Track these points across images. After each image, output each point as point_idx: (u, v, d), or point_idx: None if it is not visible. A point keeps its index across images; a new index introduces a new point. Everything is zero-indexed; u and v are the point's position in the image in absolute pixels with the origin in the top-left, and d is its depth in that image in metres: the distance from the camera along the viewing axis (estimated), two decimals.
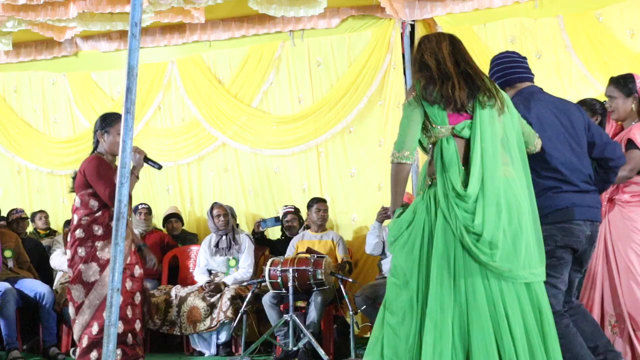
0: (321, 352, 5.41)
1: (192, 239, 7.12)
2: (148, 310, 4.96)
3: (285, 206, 6.76)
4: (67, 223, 6.92)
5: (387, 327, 3.10)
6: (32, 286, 6.19)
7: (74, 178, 4.64)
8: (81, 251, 4.40)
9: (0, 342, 6.10)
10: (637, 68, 5.82)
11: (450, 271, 2.99)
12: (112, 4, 5.80)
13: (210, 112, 7.22)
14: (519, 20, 6.29)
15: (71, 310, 4.45)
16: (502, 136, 3.14)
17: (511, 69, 3.76)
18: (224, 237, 6.39)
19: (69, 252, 4.47)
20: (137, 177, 4.52)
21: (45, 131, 7.91)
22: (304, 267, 5.54)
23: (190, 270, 6.71)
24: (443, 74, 3.16)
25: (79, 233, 4.43)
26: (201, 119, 7.26)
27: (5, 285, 6.02)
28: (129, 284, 4.44)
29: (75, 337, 4.43)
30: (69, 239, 4.51)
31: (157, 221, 7.23)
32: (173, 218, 7.15)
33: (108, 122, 4.51)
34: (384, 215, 5.94)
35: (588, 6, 6.09)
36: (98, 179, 4.39)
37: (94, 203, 4.43)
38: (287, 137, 7.01)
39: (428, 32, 6.61)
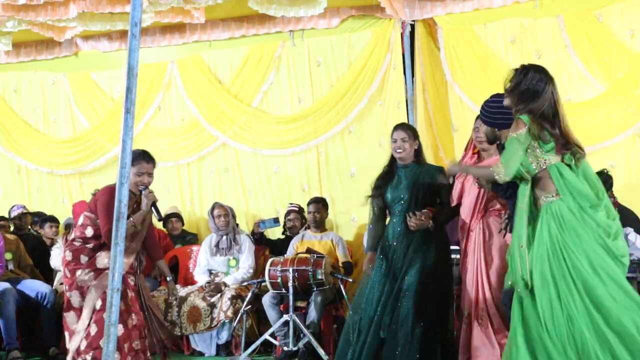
0: (321, 352, 5.41)
1: (192, 239, 7.12)
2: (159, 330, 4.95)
3: (291, 204, 6.75)
4: (67, 226, 6.93)
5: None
6: (34, 286, 6.19)
7: (93, 194, 4.89)
8: (67, 272, 4.65)
9: (0, 342, 6.10)
10: (637, 68, 5.84)
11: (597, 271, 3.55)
12: (112, 4, 5.80)
13: (211, 112, 7.22)
14: (519, 20, 6.29)
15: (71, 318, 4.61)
16: None
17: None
18: (224, 237, 6.39)
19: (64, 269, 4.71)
20: (135, 225, 4.60)
21: (45, 131, 7.90)
22: (304, 267, 5.55)
23: (191, 270, 6.70)
24: None
25: (67, 255, 4.66)
26: (201, 119, 7.26)
27: (5, 285, 6.02)
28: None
29: (73, 346, 4.51)
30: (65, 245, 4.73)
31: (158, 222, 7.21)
32: (173, 218, 7.14)
33: (132, 159, 4.46)
34: None
35: (588, 6, 6.09)
36: (104, 212, 4.51)
37: (90, 231, 4.62)
38: (287, 137, 7.01)
39: (428, 32, 6.69)
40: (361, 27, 6.76)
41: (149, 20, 6.20)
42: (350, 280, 5.75)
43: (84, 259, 4.61)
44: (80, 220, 4.68)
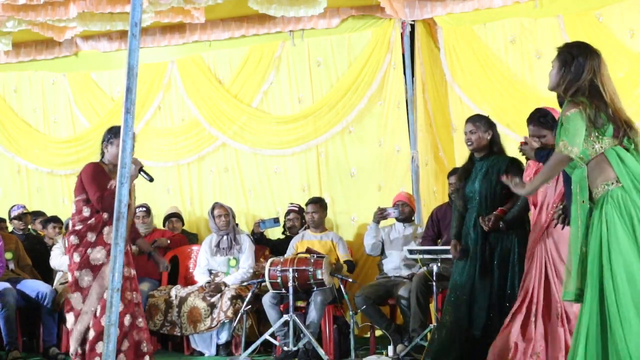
0: (321, 352, 5.41)
1: (192, 239, 7.12)
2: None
3: (291, 204, 6.75)
4: (67, 226, 6.92)
5: None
6: (34, 286, 6.20)
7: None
8: (76, 257, 4.53)
9: (0, 342, 6.10)
10: (637, 68, 5.84)
11: None
12: (112, 4, 5.80)
13: (211, 112, 7.22)
14: (519, 20, 6.29)
15: (71, 319, 4.50)
16: None
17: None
18: (224, 237, 6.39)
19: (67, 257, 4.61)
20: (130, 192, 4.58)
21: (45, 131, 7.90)
22: (304, 267, 5.55)
23: (191, 270, 6.70)
24: None
25: (73, 239, 4.56)
26: (201, 119, 7.25)
27: (5, 285, 6.02)
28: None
29: (73, 344, 4.47)
30: (66, 244, 4.64)
31: (158, 221, 7.21)
32: (173, 217, 7.14)
33: (113, 133, 4.60)
34: (380, 216, 5.95)
35: (588, 6, 6.08)
36: (91, 182, 4.52)
37: (87, 210, 4.57)
38: (287, 137, 7.01)
39: (428, 32, 6.69)
40: (361, 27, 6.76)
41: (149, 20, 6.20)
42: (351, 280, 5.75)
43: (91, 236, 4.53)
44: (74, 209, 4.63)
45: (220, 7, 6.17)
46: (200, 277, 6.39)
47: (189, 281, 6.65)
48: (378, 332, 6.00)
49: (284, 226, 6.71)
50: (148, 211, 6.93)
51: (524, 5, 6.19)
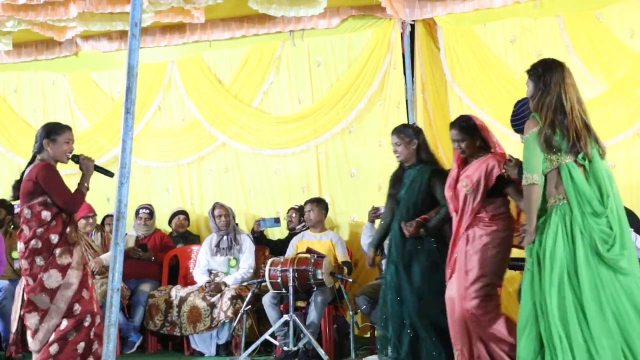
0: (321, 352, 5.41)
1: (194, 239, 7.10)
2: None
3: (295, 205, 6.79)
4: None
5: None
6: None
7: (15, 187, 4.59)
8: (39, 260, 4.42)
9: None
10: (637, 68, 5.84)
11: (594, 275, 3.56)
12: (112, 4, 5.80)
13: (211, 112, 7.22)
14: (519, 20, 6.29)
15: (34, 320, 4.41)
16: None
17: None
18: (225, 237, 6.40)
19: (24, 262, 4.45)
20: (88, 188, 4.58)
21: None
22: (304, 267, 5.55)
23: (191, 270, 6.70)
24: None
25: (34, 243, 4.43)
26: (201, 119, 7.26)
27: (4, 283, 6.02)
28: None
29: (39, 342, 4.40)
30: (20, 248, 4.49)
31: (158, 221, 7.22)
32: (182, 215, 7.14)
33: (55, 130, 4.57)
34: (374, 215, 5.96)
35: (588, 6, 6.08)
36: (54, 185, 4.44)
37: (46, 213, 4.45)
38: (287, 137, 7.01)
39: (428, 32, 6.69)
40: (361, 27, 6.76)
41: (149, 20, 6.20)
42: (351, 280, 5.75)
43: (54, 238, 4.43)
44: (28, 214, 4.44)
45: (220, 7, 6.17)
46: (200, 277, 6.39)
47: (189, 281, 6.65)
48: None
49: (287, 226, 6.73)
50: (151, 213, 6.93)
51: (524, 5, 6.19)
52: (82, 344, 4.38)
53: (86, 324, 4.41)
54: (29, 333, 4.46)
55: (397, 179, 4.96)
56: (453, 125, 4.59)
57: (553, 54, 6.16)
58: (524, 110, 4.23)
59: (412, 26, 6.61)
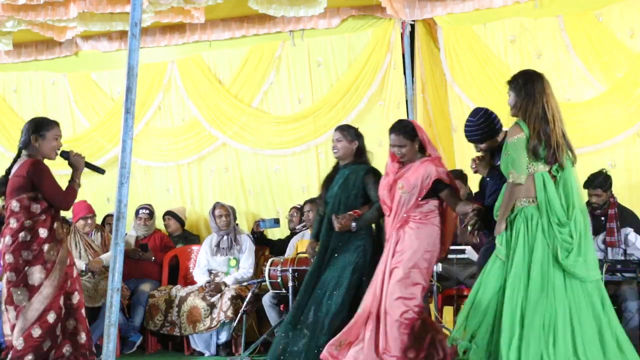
0: None
1: (194, 239, 7.10)
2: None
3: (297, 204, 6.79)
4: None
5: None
6: None
7: (2, 183, 4.55)
8: (27, 254, 4.37)
9: None
10: (637, 68, 5.84)
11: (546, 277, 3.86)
12: (112, 4, 5.80)
13: (211, 112, 7.22)
14: (519, 20, 6.29)
15: (11, 314, 4.37)
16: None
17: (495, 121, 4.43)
18: (225, 237, 6.40)
19: (10, 256, 4.38)
20: (79, 184, 4.57)
21: None
22: (304, 267, 5.55)
23: (191, 270, 6.70)
24: None
25: (23, 236, 4.37)
26: (201, 119, 7.26)
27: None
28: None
29: (14, 342, 4.34)
30: (6, 241, 4.42)
31: (158, 221, 7.21)
32: (166, 216, 7.10)
33: (44, 125, 4.53)
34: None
35: (588, 6, 6.08)
36: (46, 181, 4.42)
37: (36, 207, 4.42)
38: (287, 137, 7.01)
39: (428, 32, 6.69)
40: (361, 27, 6.76)
41: (149, 20, 6.20)
42: None
43: (43, 232, 4.40)
44: (16, 207, 4.39)
45: (220, 7, 6.17)
46: (200, 277, 6.39)
47: (189, 281, 6.65)
48: None
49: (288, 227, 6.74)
50: (151, 213, 6.91)
51: (524, 5, 6.19)
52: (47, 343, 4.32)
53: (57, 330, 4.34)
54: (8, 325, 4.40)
55: (328, 180, 5.03)
56: (393, 130, 4.68)
57: (553, 54, 6.18)
58: (483, 122, 4.39)
59: (412, 26, 6.61)
